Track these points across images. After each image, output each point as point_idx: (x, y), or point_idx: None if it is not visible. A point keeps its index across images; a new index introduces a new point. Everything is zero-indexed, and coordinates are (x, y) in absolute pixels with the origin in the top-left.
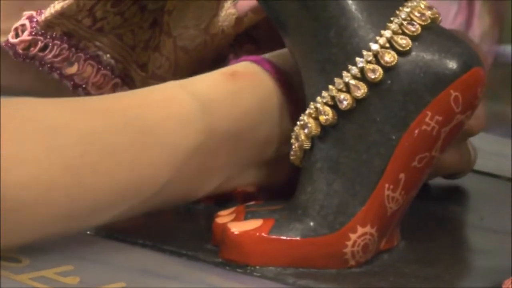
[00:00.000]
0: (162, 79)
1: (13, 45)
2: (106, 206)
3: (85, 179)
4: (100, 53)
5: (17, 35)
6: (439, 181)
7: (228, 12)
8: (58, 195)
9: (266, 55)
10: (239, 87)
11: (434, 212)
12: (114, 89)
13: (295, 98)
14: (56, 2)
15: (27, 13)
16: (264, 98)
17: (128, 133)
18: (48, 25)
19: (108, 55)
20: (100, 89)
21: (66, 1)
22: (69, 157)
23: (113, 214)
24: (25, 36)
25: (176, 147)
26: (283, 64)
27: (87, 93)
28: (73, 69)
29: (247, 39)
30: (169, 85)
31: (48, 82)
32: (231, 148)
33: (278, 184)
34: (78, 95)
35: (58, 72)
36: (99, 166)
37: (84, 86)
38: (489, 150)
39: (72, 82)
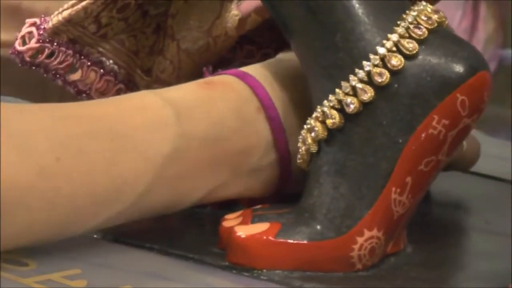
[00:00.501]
0: (165, 83)
1: (20, 53)
2: (86, 212)
3: (62, 184)
4: (103, 59)
5: (24, 43)
6: (442, 183)
7: (231, 14)
8: (34, 199)
9: (243, 68)
10: (213, 95)
11: (438, 216)
12: (118, 94)
13: (273, 108)
14: (61, 8)
15: (29, 21)
16: (239, 106)
17: (104, 139)
18: (55, 32)
19: (111, 61)
20: (103, 94)
21: (74, 8)
22: (45, 161)
23: (97, 221)
24: (33, 43)
25: (152, 153)
26: (261, 75)
27: (91, 99)
28: (76, 75)
29: (247, 41)
30: (144, 93)
31: (47, 91)
32: (211, 155)
33: (268, 195)
34: (81, 101)
35: (62, 78)
36: (75, 171)
37: (87, 92)
38: (492, 153)
39: (75, 88)
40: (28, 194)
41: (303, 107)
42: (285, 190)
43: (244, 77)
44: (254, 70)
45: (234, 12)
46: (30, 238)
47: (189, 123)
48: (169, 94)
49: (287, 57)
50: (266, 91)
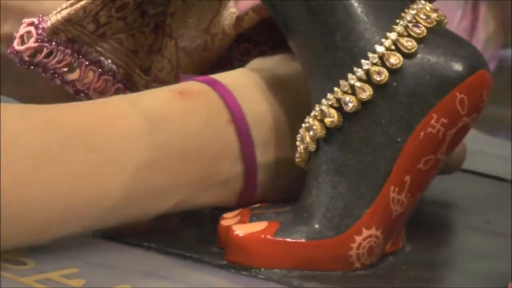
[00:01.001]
0: (164, 82)
1: (18, 52)
2: (63, 221)
3: (38, 192)
4: (101, 58)
5: (22, 42)
6: (442, 183)
7: (229, 11)
8: (11, 207)
9: (215, 76)
10: (186, 106)
11: (437, 215)
12: (117, 94)
13: (242, 119)
14: (60, 8)
15: (27, 20)
16: (211, 118)
17: (81, 149)
18: (54, 32)
19: (109, 61)
20: (102, 94)
21: (73, 7)
22: (22, 169)
23: (65, 231)
24: (31, 43)
25: (126, 164)
26: (233, 84)
27: (89, 99)
28: (75, 75)
29: (245, 39)
30: (120, 101)
31: (47, 90)
32: (182, 165)
33: (233, 205)
34: (80, 100)
35: (60, 78)
36: (53, 180)
37: (86, 91)
38: (492, 153)
39: (74, 88)
40: (3, 201)
41: (276, 116)
42: (250, 201)
43: (216, 86)
44: (227, 78)
45: (232, 10)
46: (9, 243)
47: (162, 134)
48: (144, 105)
49: (261, 65)
50: (237, 101)
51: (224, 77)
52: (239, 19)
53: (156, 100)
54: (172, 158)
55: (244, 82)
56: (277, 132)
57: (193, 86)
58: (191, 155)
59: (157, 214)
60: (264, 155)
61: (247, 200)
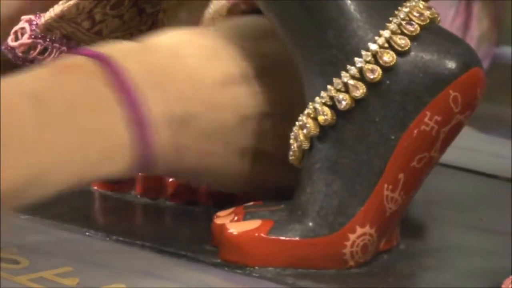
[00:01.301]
0: None
1: (12, 48)
2: None
3: None
4: None
5: (16, 38)
6: (436, 182)
7: (220, 4)
8: None
9: (106, 50)
10: (64, 79)
11: (432, 213)
12: None
13: (131, 93)
14: (56, 5)
15: (25, 17)
16: (88, 84)
17: None
18: (48, 28)
19: None
20: None
21: (66, 4)
22: None
23: None
24: (25, 39)
25: (16, 146)
26: (113, 50)
27: None
28: None
29: None
30: (5, 87)
31: None
32: (72, 141)
33: (145, 170)
34: None
35: None
36: None
37: None
38: (489, 151)
39: None
40: None
41: (166, 78)
42: (150, 167)
43: (93, 55)
44: (108, 46)
45: (223, 2)
46: None
47: (45, 111)
48: (26, 84)
49: (154, 41)
50: (116, 64)
51: (104, 46)
52: (230, 11)
53: (37, 78)
54: (58, 133)
55: (130, 46)
56: (188, 88)
57: (79, 60)
58: (77, 127)
59: (60, 191)
60: (157, 115)
61: (147, 166)
